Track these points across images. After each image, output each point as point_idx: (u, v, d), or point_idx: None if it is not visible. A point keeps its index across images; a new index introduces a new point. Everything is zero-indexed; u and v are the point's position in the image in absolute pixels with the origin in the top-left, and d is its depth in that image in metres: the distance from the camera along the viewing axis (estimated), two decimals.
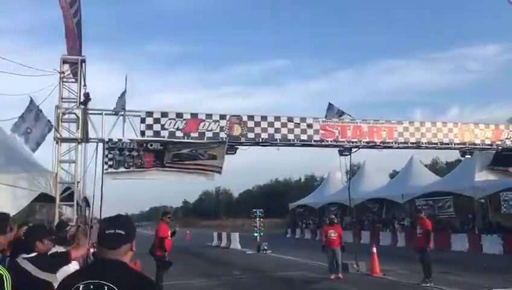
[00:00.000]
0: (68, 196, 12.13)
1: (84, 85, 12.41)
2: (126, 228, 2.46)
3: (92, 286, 2.28)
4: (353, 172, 30.20)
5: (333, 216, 15.67)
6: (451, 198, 25.48)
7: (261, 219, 28.33)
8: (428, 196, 26.58)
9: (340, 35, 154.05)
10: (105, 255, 2.40)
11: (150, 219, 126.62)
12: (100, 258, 2.43)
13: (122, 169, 11.64)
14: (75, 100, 12.10)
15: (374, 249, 14.29)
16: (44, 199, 13.26)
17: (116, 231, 2.41)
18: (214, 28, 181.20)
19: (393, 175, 40.44)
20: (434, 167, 48.94)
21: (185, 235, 41.21)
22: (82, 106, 11.89)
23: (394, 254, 19.32)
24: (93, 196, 12.15)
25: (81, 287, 2.29)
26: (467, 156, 16.51)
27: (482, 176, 19.45)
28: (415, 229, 23.90)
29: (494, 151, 16.28)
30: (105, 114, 12.43)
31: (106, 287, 2.26)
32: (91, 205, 13.39)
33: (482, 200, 24.20)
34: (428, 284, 11.43)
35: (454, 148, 15.90)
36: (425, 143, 15.17)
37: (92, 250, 13.48)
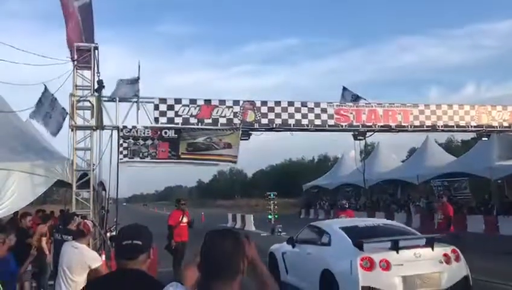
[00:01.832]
0: (84, 182, 12.32)
1: (98, 72, 12.46)
2: (143, 238, 2.52)
3: None
4: (367, 152, 30.14)
5: (344, 201, 15.66)
6: (467, 179, 25.29)
7: (275, 202, 28.52)
8: (443, 177, 26.40)
9: (354, 13, 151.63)
10: (124, 265, 2.47)
11: (165, 198, 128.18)
12: (120, 269, 2.49)
13: (136, 159, 11.73)
14: (89, 88, 12.16)
15: None
16: (60, 184, 13.50)
17: (133, 241, 2.48)
18: (226, 7, 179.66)
19: (413, 152, 40.12)
20: (449, 146, 48.48)
21: (200, 218, 41.69)
22: (96, 94, 11.95)
23: None
24: (109, 181, 12.36)
25: None
26: (483, 139, 16.32)
27: (501, 160, 19.22)
28: (430, 212, 24.00)
29: None
30: (119, 101, 12.49)
31: None
32: (107, 189, 13.61)
33: (499, 181, 23.97)
34: None
35: (471, 131, 15.74)
36: (441, 126, 14.99)
37: (108, 234, 13.80)
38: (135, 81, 12.42)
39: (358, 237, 7.66)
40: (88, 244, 5.62)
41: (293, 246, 9.31)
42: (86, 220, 5.63)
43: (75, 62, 11.91)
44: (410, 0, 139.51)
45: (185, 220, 11.56)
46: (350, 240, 7.72)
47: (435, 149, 30.44)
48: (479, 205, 24.48)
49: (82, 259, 5.04)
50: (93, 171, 12.13)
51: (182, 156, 12.08)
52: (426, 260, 7.23)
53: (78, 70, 12.14)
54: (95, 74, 12.24)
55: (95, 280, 2.74)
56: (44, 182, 11.83)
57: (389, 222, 10.00)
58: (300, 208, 43.83)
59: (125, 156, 11.71)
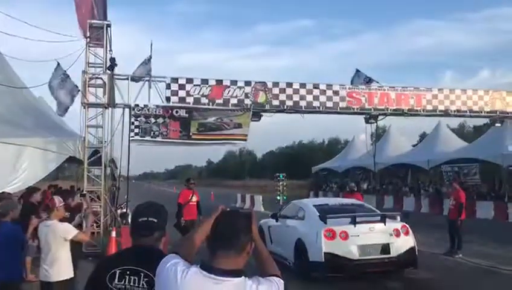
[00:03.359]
0: (96, 159, 12.42)
1: (110, 50, 12.45)
2: (158, 216, 2.53)
3: (128, 272, 2.38)
4: (378, 136, 29.94)
5: (353, 184, 15.62)
6: (478, 165, 25.03)
7: (284, 183, 28.52)
8: (454, 162, 26.18)
9: None
10: (139, 242, 2.49)
11: (175, 177, 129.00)
12: (135, 245, 2.51)
13: (148, 138, 11.77)
14: (101, 65, 12.16)
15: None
16: (73, 159, 13.61)
17: (149, 218, 2.49)
18: None
19: (423, 137, 39.82)
20: (461, 131, 48.00)
21: (209, 196, 41.95)
22: (108, 71, 11.95)
23: (418, 221, 19.22)
24: (120, 159, 12.44)
25: (117, 273, 2.38)
26: (497, 124, 16.12)
27: None
28: (439, 197, 23.86)
29: None
30: (132, 79, 12.49)
31: (142, 274, 2.36)
32: (118, 167, 13.71)
33: (511, 168, 23.72)
34: (458, 255, 11.39)
35: (484, 116, 15.56)
36: (454, 111, 14.81)
37: (119, 211, 13.94)
38: (147, 60, 12.40)
39: (327, 213, 9.11)
40: (65, 218, 5.60)
41: (276, 220, 10.72)
42: (54, 196, 5.66)
43: (88, 39, 11.89)
44: None
45: (194, 199, 11.61)
46: (318, 215, 9.18)
47: (446, 134, 30.13)
48: (489, 191, 24.28)
49: (55, 234, 5.11)
50: (104, 148, 12.21)
51: (193, 137, 12.10)
52: (379, 232, 8.70)
53: (90, 48, 12.14)
54: (108, 52, 12.23)
55: (110, 256, 2.77)
56: (56, 158, 11.94)
57: (357, 202, 11.40)
58: (309, 190, 43.84)
59: (136, 134, 11.76)
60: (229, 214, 2.11)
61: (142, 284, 2.35)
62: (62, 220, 5.44)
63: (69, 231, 5.23)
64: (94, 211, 11.44)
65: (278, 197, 27.76)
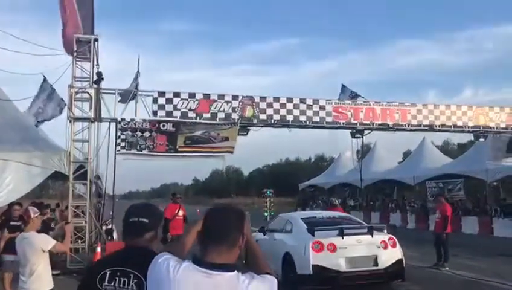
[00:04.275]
0: (81, 174, 12.27)
1: (97, 64, 12.40)
2: (150, 216, 2.48)
3: (118, 273, 2.32)
4: (364, 153, 30.13)
5: (333, 199, 16.04)
6: (462, 180, 25.28)
7: (271, 199, 28.42)
8: (439, 178, 26.41)
9: (354, 15, 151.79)
10: (131, 243, 2.44)
11: (160, 195, 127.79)
12: (127, 246, 2.47)
13: (134, 151, 11.69)
14: (88, 79, 12.11)
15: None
16: (57, 177, 13.42)
17: (140, 219, 2.43)
18: (226, 6, 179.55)
19: (407, 154, 40.16)
20: (446, 149, 48.53)
21: (195, 213, 41.60)
22: (95, 85, 11.89)
23: (405, 236, 19.26)
24: (106, 174, 12.30)
25: (108, 274, 2.33)
26: (480, 140, 16.31)
27: (496, 160, 19.21)
28: (425, 212, 23.98)
29: (509, 136, 16.05)
30: (118, 93, 12.43)
31: (132, 275, 2.30)
32: (103, 183, 13.55)
33: (495, 183, 23.99)
34: (445, 269, 11.44)
35: (468, 132, 15.73)
36: (439, 126, 15.00)
37: (104, 227, 13.73)
38: (135, 77, 12.38)
39: (315, 226, 9.13)
40: (39, 228, 5.50)
41: (264, 234, 10.62)
42: (29, 207, 5.57)
43: (75, 54, 11.86)
44: (410, 4, 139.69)
45: (180, 213, 11.55)
46: (306, 227, 9.19)
47: (431, 150, 30.43)
48: (474, 207, 24.49)
49: (33, 246, 5.01)
50: (90, 163, 12.08)
51: (180, 149, 12.05)
52: (366, 244, 8.74)
53: (77, 62, 12.10)
54: (94, 66, 12.19)
55: (101, 258, 2.71)
56: (41, 173, 11.79)
57: (343, 214, 11.67)
58: (296, 206, 43.76)
59: (122, 147, 11.67)
60: (219, 209, 2.11)
61: (132, 286, 2.29)
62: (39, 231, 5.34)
63: (47, 241, 5.12)
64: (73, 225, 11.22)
65: (265, 214, 27.63)
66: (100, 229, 12.94)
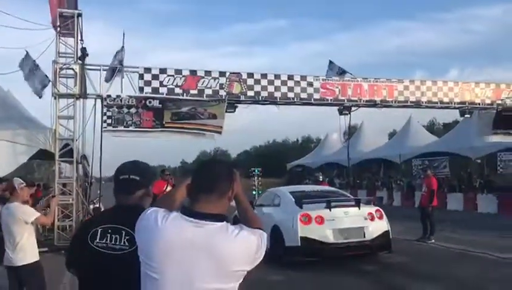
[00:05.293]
0: (67, 152, 12.11)
1: (81, 40, 12.16)
2: (141, 173, 2.42)
3: (110, 230, 2.28)
4: (351, 133, 30.28)
5: (317, 174, 16.38)
6: (447, 158, 25.56)
7: (259, 178, 28.52)
8: (425, 156, 26.67)
9: None
10: (122, 201, 2.40)
11: None
12: (118, 204, 2.43)
13: (120, 127, 11.56)
14: (72, 55, 11.88)
15: None
16: (43, 155, 13.26)
17: (131, 176, 2.39)
18: None
19: (392, 134, 40.49)
20: (431, 128, 48.93)
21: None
22: (79, 61, 11.68)
23: (391, 213, 19.47)
24: (93, 152, 12.14)
25: (99, 231, 2.29)
26: (466, 116, 16.40)
27: (482, 138, 19.40)
28: (411, 190, 24.25)
29: (494, 112, 16.16)
30: (103, 70, 12.24)
31: (124, 232, 2.26)
32: (90, 163, 13.41)
33: (479, 161, 24.31)
34: (431, 241, 11.61)
35: (454, 108, 15.81)
36: (425, 102, 15.05)
37: (91, 206, 13.65)
38: (120, 50, 12.18)
39: (303, 199, 9.20)
40: (27, 202, 5.43)
41: (253, 209, 9.93)
42: (14, 178, 5.50)
43: (58, 29, 11.60)
44: None
45: (168, 189, 11.48)
46: (294, 200, 9.27)
47: (417, 129, 30.66)
48: (459, 184, 24.82)
49: (16, 217, 4.95)
50: (76, 140, 11.92)
51: (166, 125, 11.93)
52: (353, 216, 8.87)
53: (61, 38, 11.85)
54: (79, 42, 11.96)
55: (92, 217, 2.66)
56: (26, 151, 11.64)
57: (331, 189, 11.85)
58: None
59: (108, 124, 11.53)
60: (209, 161, 2.12)
61: (124, 242, 2.25)
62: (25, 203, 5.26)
63: (29, 213, 5.05)
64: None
65: (254, 193, 27.70)
66: (88, 207, 12.86)
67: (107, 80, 12.24)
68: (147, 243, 1.88)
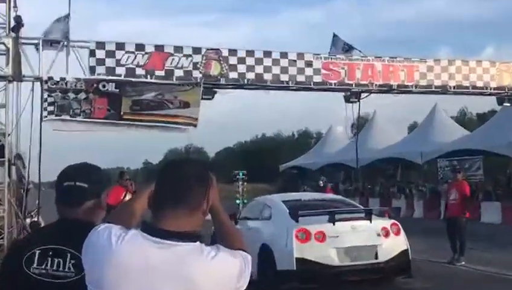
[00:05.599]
0: None
1: (15, 6, 12.05)
2: (90, 179, 2.41)
3: (50, 253, 2.26)
4: (361, 126, 30.45)
5: (322, 179, 16.34)
6: (481, 157, 25.74)
7: (244, 183, 28.57)
8: (453, 155, 26.89)
9: None
10: (66, 214, 2.38)
11: None
12: (61, 219, 2.40)
13: (66, 117, 11.43)
14: (4, 26, 11.77)
15: None
16: None
17: (77, 183, 2.37)
18: None
19: (413, 128, 40.77)
20: (462, 119, 49.49)
21: None
22: (13, 33, 11.57)
23: (411, 227, 19.62)
24: (30, 150, 12.04)
25: (37, 253, 2.25)
26: (505, 104, 16.53)
27: None
28: (436, 197, 24.43)
29: None
30: (44, 44, 12.12)
31: (69, 255, 2.24)
32: (26, 165, 13.30)
33: None
34: (461, 263, 11.69)
35: (490, 94, 15.92)
36: (454, 87, 15.13)
37: (28, 221, 13.58)
38: (64, 18, 12.08)
39: (299, 210, 9.20)
40: None
41: (236, 223, 10.48)
42: None
43: None
44: None
45: (128, 198, 11.46)
46: (288, 212, 9.28)
47: (443, 121, 30.91)
48: (495, 189, 25.04)
49: None
50: (9, 135, 11.83)
51: (125, 117, 11.83)
52: (363, 232, 8.86)
53: None
54: (11, 8, 11.84)
55: (27, 235, 2.63)
56: None
57: (336, 197, 12.04)
58: (278, 192, 44.08)
59: (50, 113, 11.38)
60: (178, 162, 2.07)
61: (69, 267, 2.23)
62: None
63: None
64: None
65: (238, 201, 27.75)
66: (23, 221, 12.78)
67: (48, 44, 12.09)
68: (98, 269, 1.85)
